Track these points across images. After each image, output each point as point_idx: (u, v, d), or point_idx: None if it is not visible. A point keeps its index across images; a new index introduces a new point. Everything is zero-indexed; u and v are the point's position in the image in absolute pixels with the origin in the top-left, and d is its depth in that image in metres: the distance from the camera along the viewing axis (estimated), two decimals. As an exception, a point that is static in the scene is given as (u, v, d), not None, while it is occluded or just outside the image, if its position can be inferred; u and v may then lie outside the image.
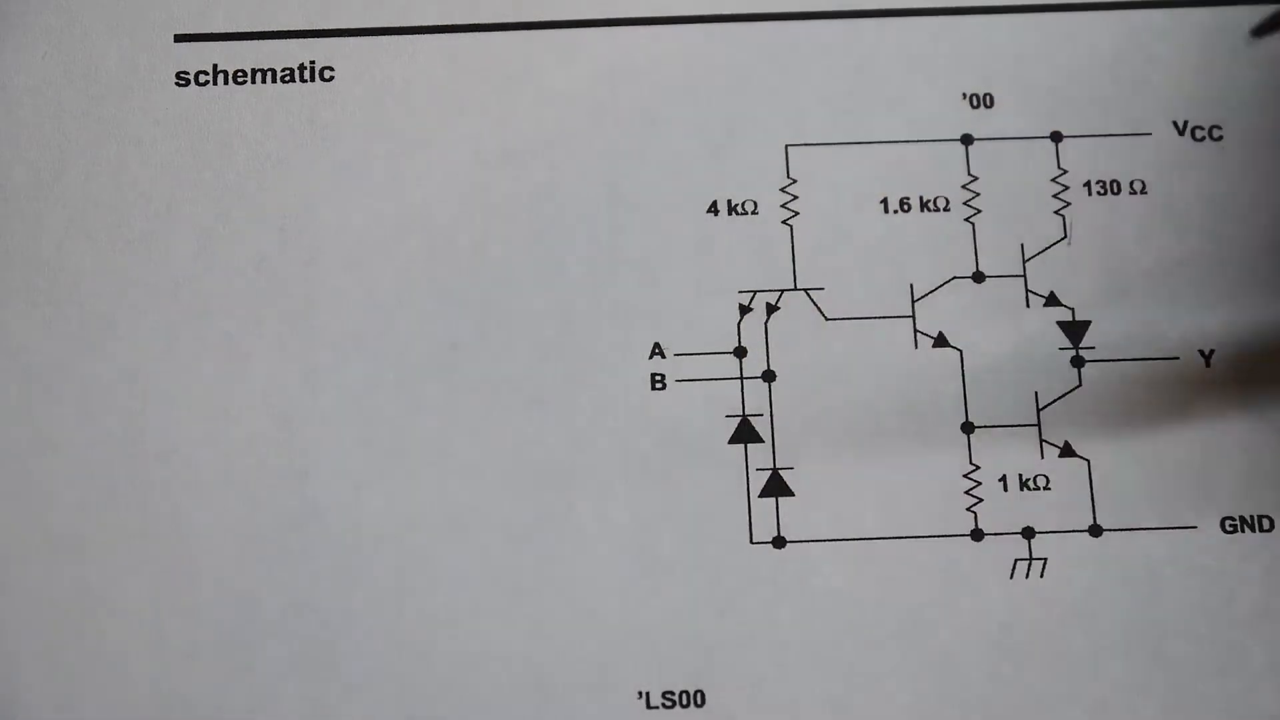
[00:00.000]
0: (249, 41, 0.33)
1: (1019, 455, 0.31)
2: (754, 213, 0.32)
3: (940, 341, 0.31)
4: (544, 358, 0.31)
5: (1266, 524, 0.30)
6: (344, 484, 0.31)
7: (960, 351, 0.31)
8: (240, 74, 0.33)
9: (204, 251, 0.32)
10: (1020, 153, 0.32)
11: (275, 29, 0.33)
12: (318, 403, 0.31)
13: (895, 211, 0.32)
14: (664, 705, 0.30)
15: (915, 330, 0.31)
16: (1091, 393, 0.31)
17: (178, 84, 0.33)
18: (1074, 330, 0.31)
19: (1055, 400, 0.31)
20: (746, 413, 0.31)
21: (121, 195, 0.32)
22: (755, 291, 0.32)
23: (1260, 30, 0.28)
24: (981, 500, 0.31)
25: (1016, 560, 0.30)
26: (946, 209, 0.32)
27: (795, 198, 0.32)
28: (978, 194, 0.32)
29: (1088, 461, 0.31)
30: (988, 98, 0.33)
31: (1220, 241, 0.32)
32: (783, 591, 0.30)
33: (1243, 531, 0.30)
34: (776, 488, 0.31)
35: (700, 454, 0.31)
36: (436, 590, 0.30)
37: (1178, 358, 0.31)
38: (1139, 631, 0.30)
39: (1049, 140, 0.32)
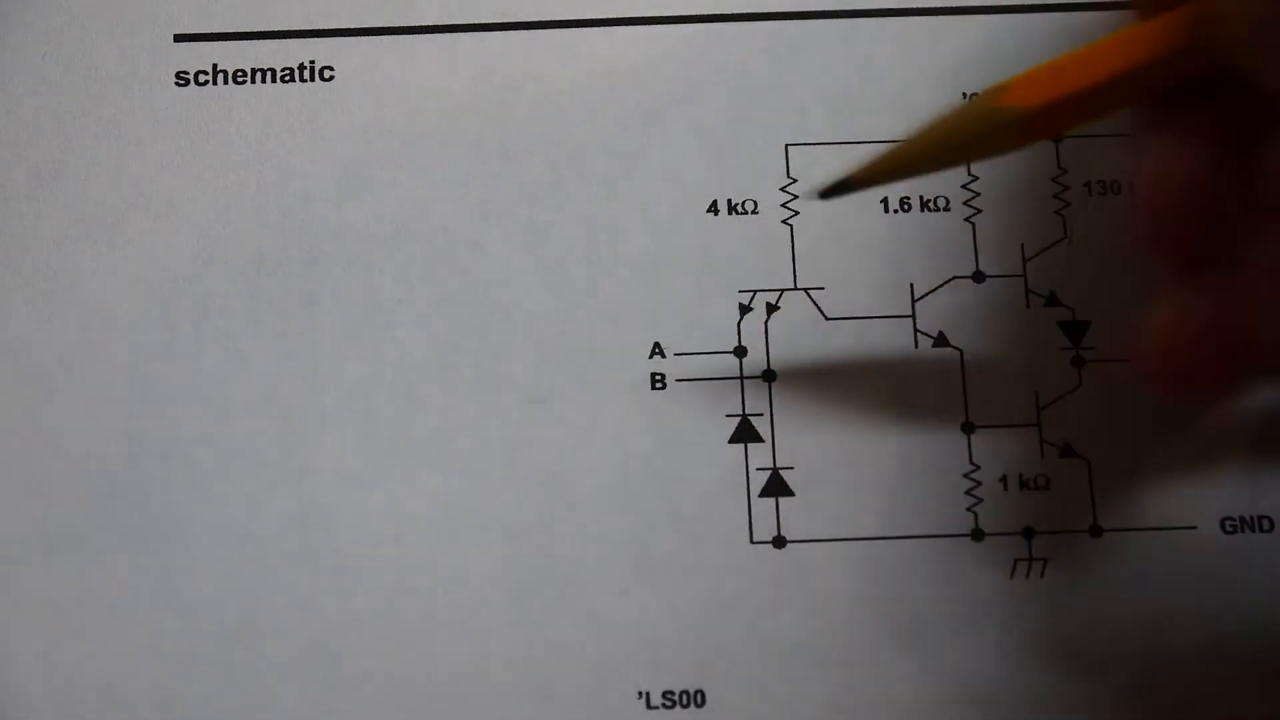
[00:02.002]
0: (249, 41, 0.33)
1: (1019, 455, 0.31)
2: (754, 212, 0.32)
3: (940, 341, 0.31)
4: (544, 358, 0.31)
5: (1266, 524, 0.30)
6: (344, 484, 0.31)
7: (960, 351, 0.31)
8: (240, 74, 0.33)
9: (204, 251, 0.32)
10: (1020, 153, 0.32)
11: (275, 29, 0.33)
12: (318, 403, 0.31)
13: (895, 211, 0.32)
14: (664, 705, 0.30)
15: (915, 330, 0.31)
16: (1091, 393, 0.31)
17: (177, 84, 0.33)
18: (1074, 330, 0.31)
19: (1055, 400, 0.31)
20: (746, 413, 0.31)
21: (121, 195, 0.32)
22: (755, 291, 0.32)
23: (826, 193, 0.28)
24: (981, 500, 0.31)
25: (1016, 560, 0.30)
26: (946, 209, 0.32)
27: (795, 197, 0.32)
28: (978, 194, 0.32)
29: (1088, 461, 0.31)
30: (988, 98, 0.33)
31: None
32: (783, 591, 0.30)
33: (1243, 531, 0.30)
34: (776, 488, 0.31)
35: (700, 454, 0.31)
36: (436, 590, 0.30)
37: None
38: (1139, 631, 0.30)
39: (1049, 140, 0.32)
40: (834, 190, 0.28)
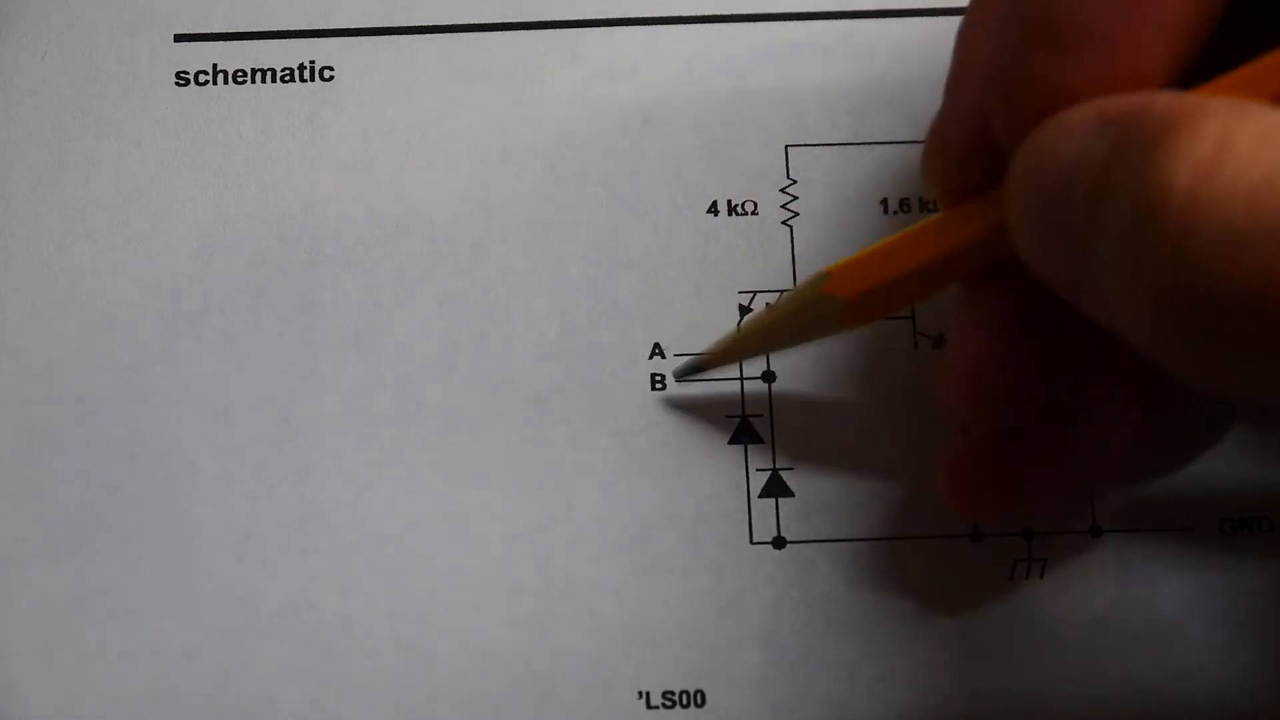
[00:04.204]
0: (249, 41, 0.33)
1: (1019, 455, 0.31)
2: (754, 213, 0.32)
3: (940, 342, 0.31)
4: (544, 358, 0.31)
5: (1266, 524, 0.30)
6: (344, 484, 0.31)
7: (960, 352, 0.31)
8: (240, 74, 0.33)
9: (204, 251, 0.32)
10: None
11: (275, 29, 0.33)
12: (318, 403, 0.31)
13: (895, 212, 0.32)
14: (664, 705, 0.30)
15: (915, 330, 0.31)
16: (1091, 393, 0.31)
17: (178, 84, 0.33)
18: (1074, 330, 0.31)
19: (1055, 400, 0.31)
20: (746, 413, 0.31)
21: (121, 195, 0.32)
22: (755, 292, 0.32)
23: (680, 375, 0.31)
24: (981, 500, 0.31)
25: (1016, 560, 0.30)
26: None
27: (795, 198, 0.32)
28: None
29: (1087, 462, 0.31)
30: (988, 98, 0.33)
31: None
32: (783, 591, 0.30)
33: (1242, 532, 0.30)
34: (776, 488, 0.31)
35: (700, 454, 0.31)
36: (436, 590, 0.30)
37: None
38: (1139, 631, 0.30)
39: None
40: (688, 372, 0.31)
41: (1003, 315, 0.26)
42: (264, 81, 0.33)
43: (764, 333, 0.29)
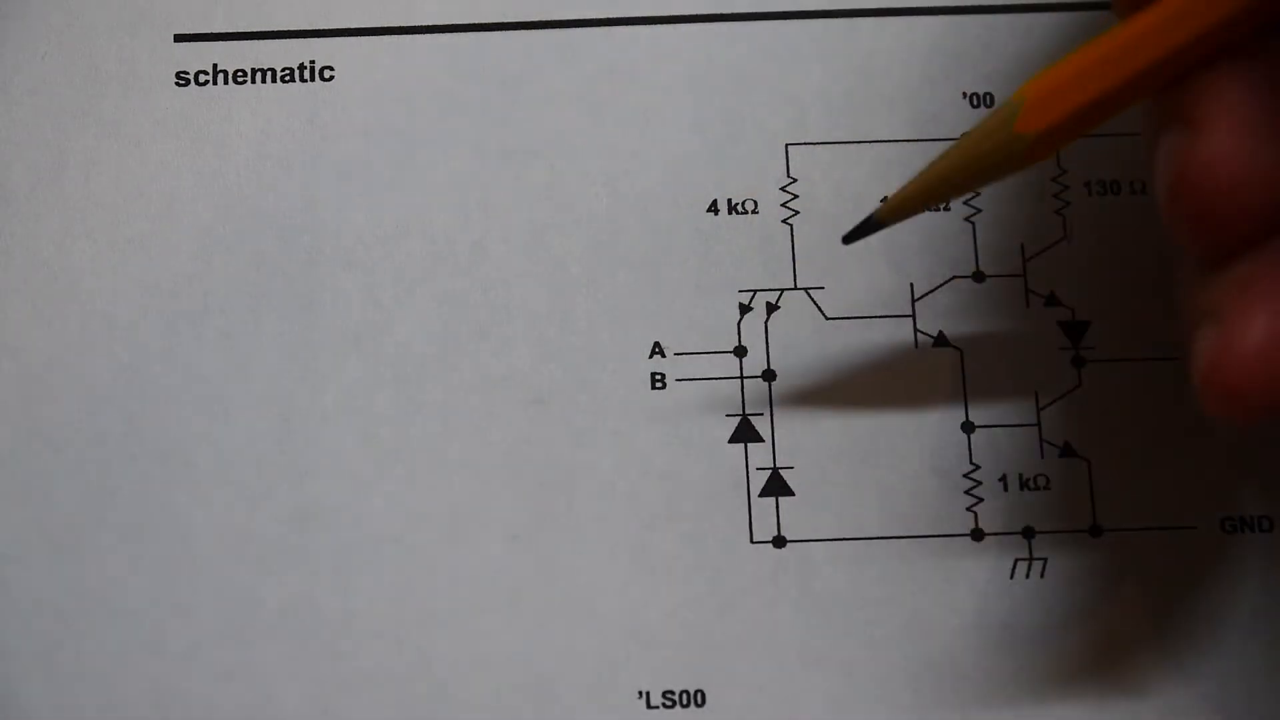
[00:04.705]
0: (249, 41, 0.33)
1: (1019, 455, 0.31)
2: (754, 212, 0.32)
3: (940, 341, 0.31)
4: (544, 358, 0.31)
5: (1266, 524, 0.30)
6: (344, 484, 0.31)
7: (960, 351, 0.31)
8: (240, 74, 0.33)
9: (204, 251, 0.32)
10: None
11: (275, 29, 0.33)
12: (318, 403, 0.31)
13: (895, 211, 0.32)
14: (664, 705, 0.30)
15: (915, 330, 0.31)
16: (1091, 393, 0.31)
17: (178, 84, 0.33)
18: (1074, 330, 0.31)
19: (1055, 400, 0.31)
20: (746, 412, 0.31)
21: (121, 195, 0.32)
22: (755, 291, 0.32)
23: (850, 237, 0.28)
24: (981, 500, 0.31)
25: (1016, 560, 0.30)
26: (947, 209, 0.32)
27: (795, 197, 0.32)
28: (978, 194, 0.32)
29: (1088, 461, 0.31)
30: (988, 97, 0.33)
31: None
32: (783, 591, 0.30)
33: (1243, 531, 0.30)
34: (776, 487, 0.31)
35: (700, 454, 0.31)
36: (436, 590, 0.30)
37: (1178, 358, 0.31)
38: (1139, 631, 0.30)
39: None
40: (860, 232, 0.28)
41: (1257, 100, 0.23)
42: (264, 81, 0.33)
43: (944, 164, 0.26)
